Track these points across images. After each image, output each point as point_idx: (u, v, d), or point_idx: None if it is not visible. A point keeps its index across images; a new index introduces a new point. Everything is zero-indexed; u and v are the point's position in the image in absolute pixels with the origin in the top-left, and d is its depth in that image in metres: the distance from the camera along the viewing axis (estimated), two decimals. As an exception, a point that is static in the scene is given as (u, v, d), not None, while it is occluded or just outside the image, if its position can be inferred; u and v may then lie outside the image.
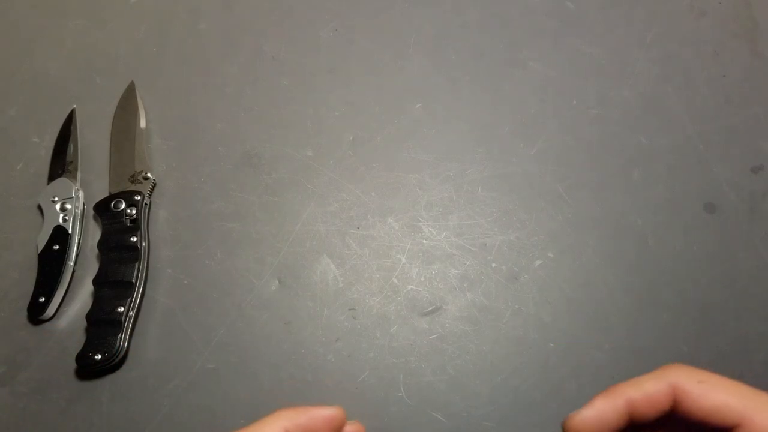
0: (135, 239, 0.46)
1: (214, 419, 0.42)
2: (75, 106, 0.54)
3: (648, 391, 0.24)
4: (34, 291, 0.45)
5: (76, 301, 0.46)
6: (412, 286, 0.45)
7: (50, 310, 0.45)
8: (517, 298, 0.45)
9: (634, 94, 0.52)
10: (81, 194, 0.49)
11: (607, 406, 0.24)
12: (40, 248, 0.46)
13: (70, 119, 0.53)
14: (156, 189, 0.50)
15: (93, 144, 0.52)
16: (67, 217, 0.47)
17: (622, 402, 0.24)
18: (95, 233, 0.48)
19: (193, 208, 0.49)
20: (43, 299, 0.45)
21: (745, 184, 0.48)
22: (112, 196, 0.48)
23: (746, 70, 0.53)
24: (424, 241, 0.47)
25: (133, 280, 0.44)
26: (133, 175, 0.49)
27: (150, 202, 0.49)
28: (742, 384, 0.23)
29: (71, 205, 0.48)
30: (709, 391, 0.23)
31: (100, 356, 0.42)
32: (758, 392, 0.23)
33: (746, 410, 0.22)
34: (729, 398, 0.23)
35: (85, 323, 0.44)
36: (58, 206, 0.48)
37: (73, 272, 0.47)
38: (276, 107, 0.53)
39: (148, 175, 0.49)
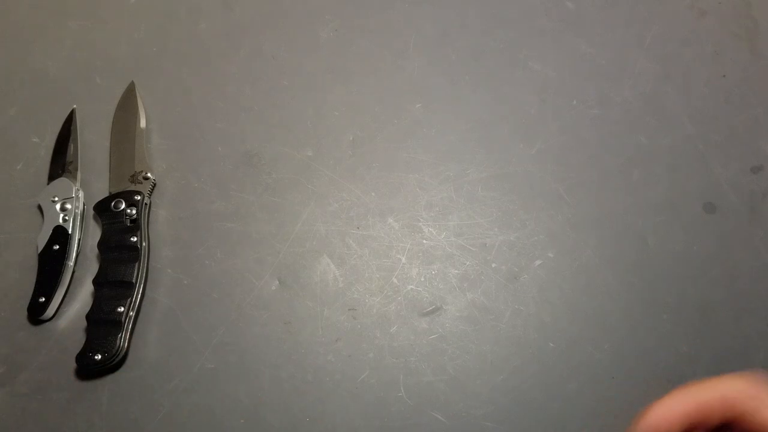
0: (135, 239, 0.46)
1: (214, 419, 0.42)
2: (75, 106, 0.54)
3: (713, 397, 0.24)
4: (34, 291, 0.45)
5: (76, 301, 0.46)
6: (412, 286, 0.45)
7: (50, 310, 0.45)
8: (517, 298, 0.45)
9: (634, 94, 0.52)
10: (81, 194, 0.49)
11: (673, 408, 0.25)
12: (40, 248, 0.46)
13: (70, 119, 0.53)
14: (156, 189, 0.50)
15: (93, 144, 0.52)
16: (67, 217, 0.47)
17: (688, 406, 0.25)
18: (95, 233, 0.48)
19: (193, 208, 0.49)
20: (43, 299, 0.45)
21: (745, 184, 0.48)
22: (112, 196, 0.48)
23: (746, 70, 0.53)
24: (424, 241, 0.47)
25: (133, 280, 0.44)
26: (133, 175, 0.49)
27: (150, 202, 0.49)
28: None
29: (71, 205, 0.48)
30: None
31: (100, 356, 0.42)
32: None
33: None
34: None
35: (85, 323, 0.44)
36: (58, 206, 0.48)
37: (73, 272, 0.47)
38: (276, 107, 0.53)
39: (148, 175, 0.49)
